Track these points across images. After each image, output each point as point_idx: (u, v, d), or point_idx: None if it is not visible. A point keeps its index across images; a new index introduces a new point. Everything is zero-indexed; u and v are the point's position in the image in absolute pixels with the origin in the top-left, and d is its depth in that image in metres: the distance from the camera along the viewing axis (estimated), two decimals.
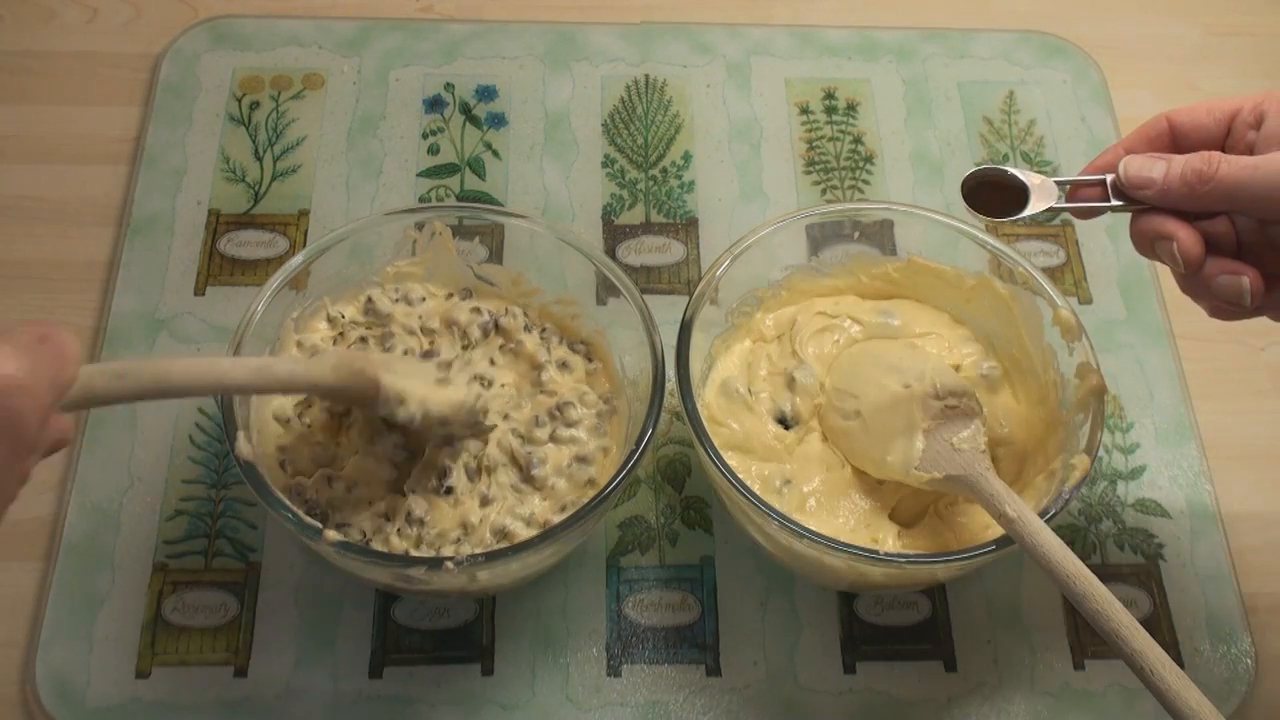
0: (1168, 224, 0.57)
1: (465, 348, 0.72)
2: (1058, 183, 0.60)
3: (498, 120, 0.90)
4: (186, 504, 0.73)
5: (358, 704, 0.67)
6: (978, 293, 0.74)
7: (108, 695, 0.67)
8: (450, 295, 0.74)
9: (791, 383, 0.72)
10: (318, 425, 0.68)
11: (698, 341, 0.68)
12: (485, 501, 0.66)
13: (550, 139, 0.89)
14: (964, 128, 0.92)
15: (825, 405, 0.71)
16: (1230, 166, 0.55)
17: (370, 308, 0.72)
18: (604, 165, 0.88)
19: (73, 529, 0.71)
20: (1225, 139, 0.60)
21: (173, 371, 0.54)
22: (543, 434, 0.68)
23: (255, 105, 0.89)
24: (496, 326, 0.72)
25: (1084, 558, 0.60)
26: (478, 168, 0.87)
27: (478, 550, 0.64)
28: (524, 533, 0.65)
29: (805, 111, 0.92)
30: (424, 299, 0.74)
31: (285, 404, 0.69)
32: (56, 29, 0.93)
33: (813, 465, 0.69)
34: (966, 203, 0.60)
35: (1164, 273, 0.83)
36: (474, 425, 0.66)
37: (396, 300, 0.73)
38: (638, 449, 0.63)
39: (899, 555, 0.63)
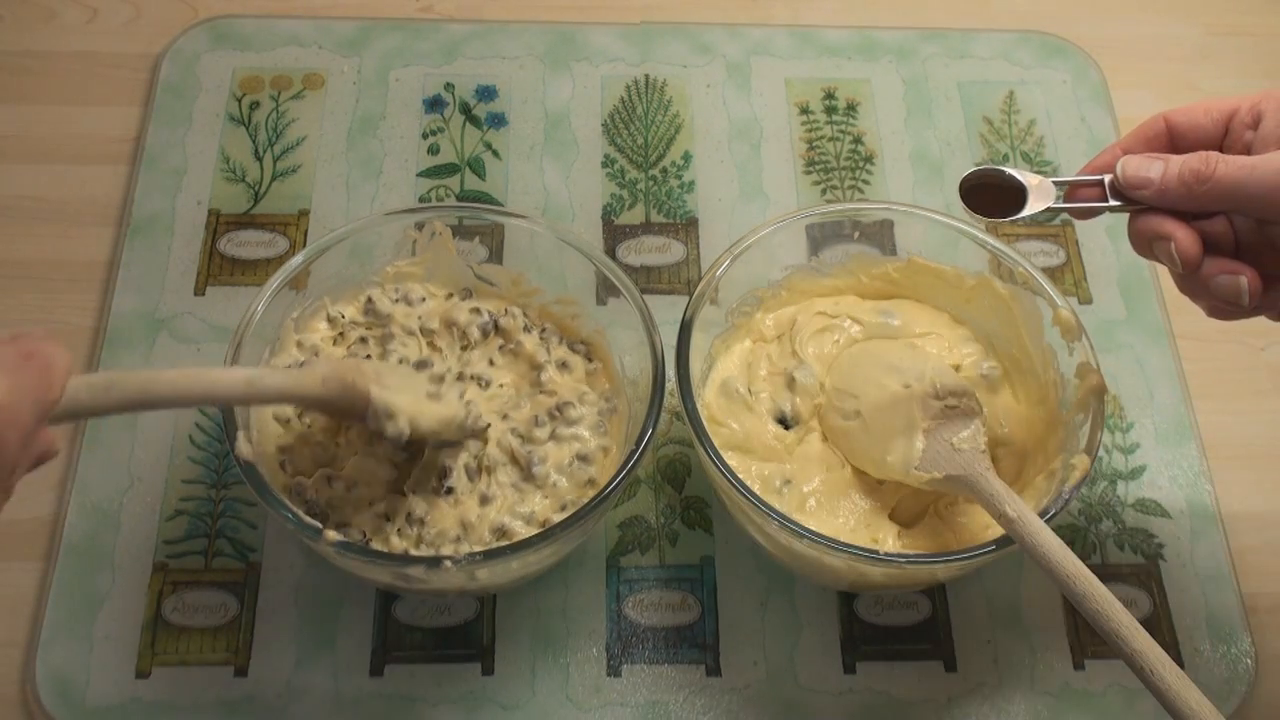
0: (1166, 224, 0.57)
1: (465, 348, 0.72)
2: (1055, 183, 0.60)
3: (498, 120, 0.90)
4: (187, 504, 0.73)
5: (358, 703, 0.67)
6: (978, 293, 0.74)
7: (108, 695, 0.67)
8: (450, 295, 0.74)
9: (791, 383, 0.72)
10: (318, 425, 0.68)
11: (698, 341, 0.68)
12: (485, 500, 0.66)
13: (550, 139, 0.89)
14: (964, 128, 0.92)
15: (825, 405, 0.71)
16: (1228, 166, 0.55)
17: (370, 308, 0.72)
18: (604, 165, 0.88)
19: (73, 529, 0.71)
20: (1223, 139, 0.60)
21: (160, 382, 0.53)
22: (543, 433, 0.68)
23: (255, 105, 0.89)
24: (496, 327, 0.72)
25: (1084, 558, 0.60)
26: (478, 168, 0.87)
27: (477, 549, 0.64)
28: (524, 531, 0.65)
29: (805, 111, 0.92)
30: (424, 299, 0.74)
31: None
32: (56, 29, 0.93)
33: (813, 465, 0.69)
34: (964, 203, 0.60)
35: (1164, 273, 0.83)
36: (465, 436, 0.67)
37: (396, 300, 0.73)
38: (638, 449, 0.63)
39: (899, 555, 0.63)
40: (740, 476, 0.64)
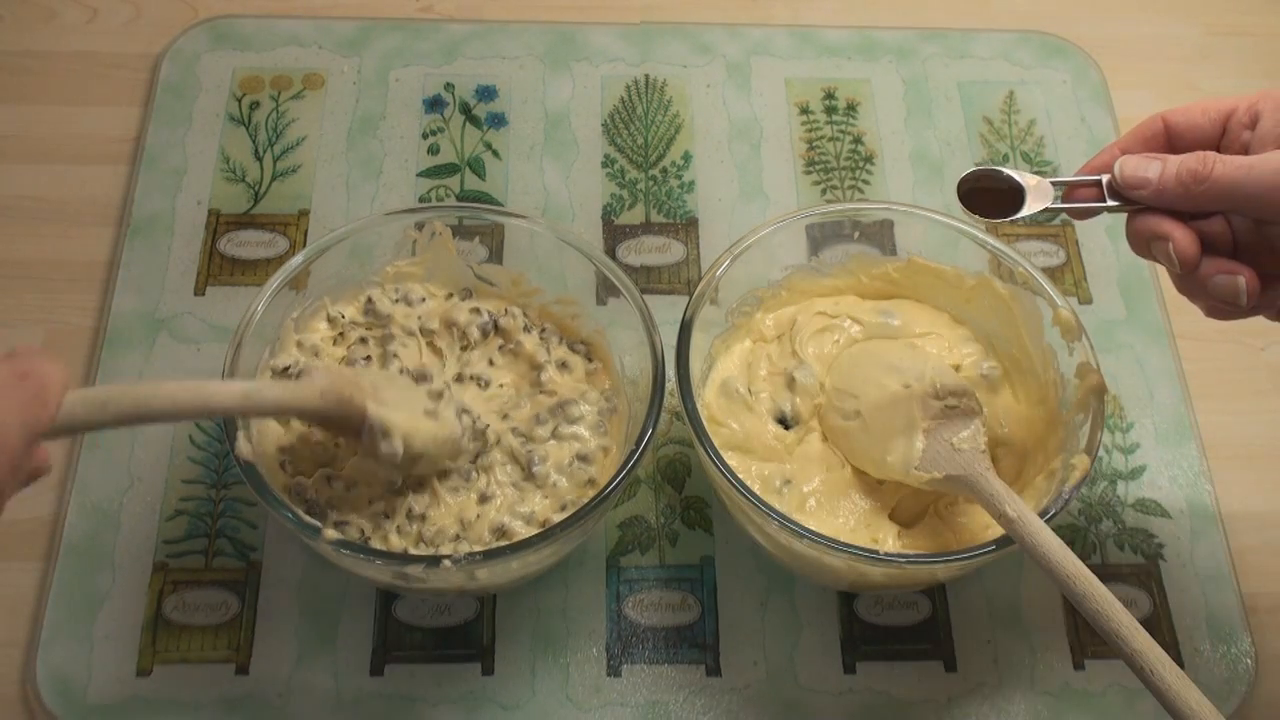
0: (1163, 224, 0.57)
1: (464, 349, 0.72)
2: (1053, 183, 0.60)
3: (498, 120, 0.90)
4: (187, 503, 0.73)
5: (359, 702, 0.67)
6: (978, 293, 0.74)
7: (109, 693, 0.67)
8: (450, 295, 0.74)
9: (791, 383, 0.72)
10: None
11: (698, 341, 0.68)
12: (484, 499, 0.66)
13: (550, 139, 0.89)
14: (964, 128, 0.92)
15: (825, 405, 0.71)
16: (1225, 166, 0.55)
17: (370, 308, 0.72)
18: (604, 165, 0.88)
19: (73, 529, 0.71)
20: (1220, 139, 0.60)
21: (157, 397, 0.54)
22: (544, 431, 0.68)
23: (255, 105, 0.89)
24: (496, 327, 0.72)
25: (1084, 558, 0.60)
26: (478, 168, 0.87)
27: (476, 548, 0.64)
28: (523, 531, 0.65)
29: (805, 111, 0.92)
30: (424, 299, 0.74)
31: None
32: (56, 29, 0.93)
33: (813, 465, 0.69)
34: (962, 204, 0.60)
35: (1164, 273, 0.83)
36: (460, 454, 0.67)
37: (396, 301, 0.73)
38: (638, 449, 0.63)
39: (899, 555, 0.63)
40: (740, 476, 0.64)
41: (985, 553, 0.61)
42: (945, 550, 0.66)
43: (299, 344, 0.71)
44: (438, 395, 0.66)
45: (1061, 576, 0.57)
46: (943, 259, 0.74)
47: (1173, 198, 0.57)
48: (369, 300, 0.72)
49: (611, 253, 0.84)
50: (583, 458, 0.68)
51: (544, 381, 0.70)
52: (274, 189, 0.85)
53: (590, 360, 0.73)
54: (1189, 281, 0.59)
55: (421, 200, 0.85)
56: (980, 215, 0.60)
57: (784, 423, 0.72)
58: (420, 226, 0.73)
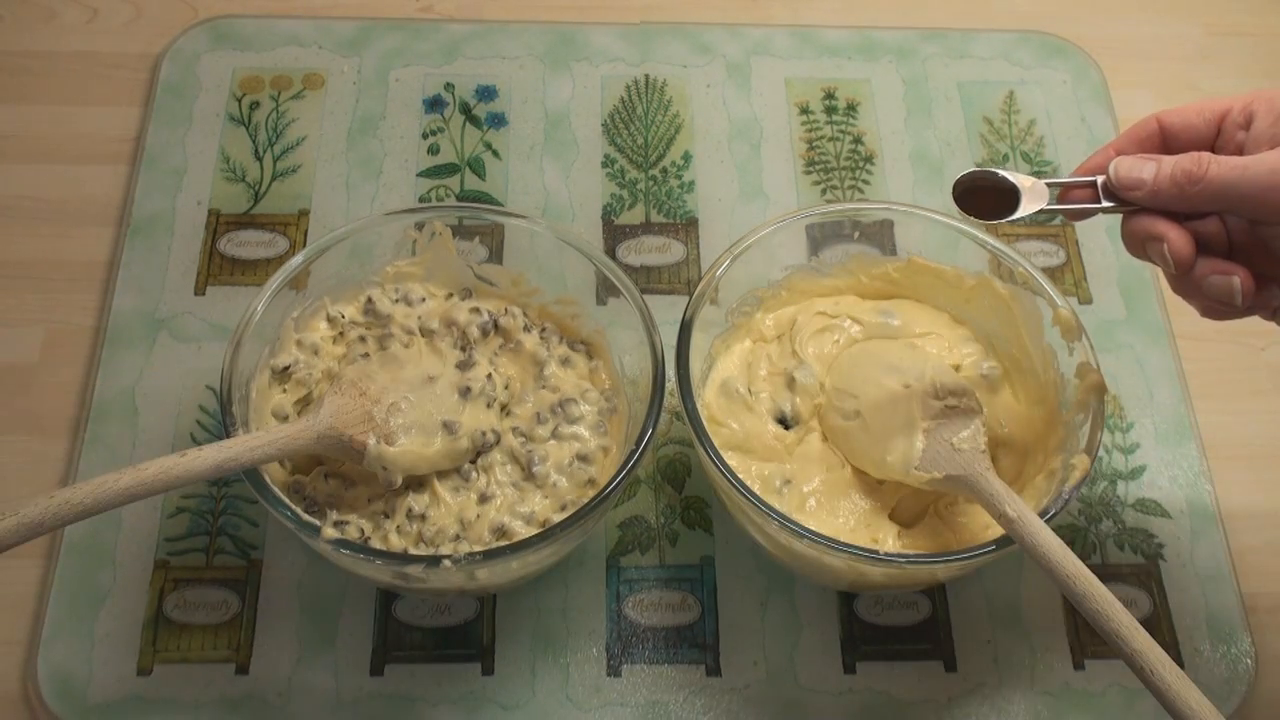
0: (1158, 225, 0.57)
1: (464, 348, 0.72)
2: (1049, 184, 0.60)
3: (498, 120, 0.90)
4: (188, 501, 0.73)
5: (359, 701, 0.67)
6: (978, 293, 0.74)
7: (109, 692, 0.67)
8: (450, 295, 0.74)
9: (791, 383, 0.72)
10: None
11: (698, 341, 0.68)
12: (484, 499, 0.66)
13: (550, 139, 0.89)
14: (964, 128, 0.92)
15: (825, 405, 0.71)
16: (1220, 167, 0.55)
17: (370, 308, 0.72)
18: (604, 165, 0.88)
19: (74, 527, 0.71)
20: (1215, 139, 0.60)
21: (142, 484, 0.55)
22: (544, 431, 0.68)
23: (255, 105, 0.89)
24: (496, 326, 0.72)
25: (1084, 558, 0.60)
26: (478, 168, 0.87)
27: (476, 548, 0.64)
28: (523, 531, 0.65)
29: (805, 111, 0.92)
30: (424, 299, 0.74)
31: (285, 402, 0.69)
32: (57, 29, 0.93)
33: (813, 465, 0.69)
34: (958, 205, 0.60)
35: (1164, 273, 0.83)
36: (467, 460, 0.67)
37: (396, 300, 0.73)
38: (638, 449, 0.63)
39: (899, 555, 0.63)
40: (740, 476, 0.64)
41: (985, 553, 0.61)
42: (945, 550, 0.66)
43: (299, 343, 0.71)
44: (465, 390, 0.67)
45: (1061, 576, 0.57)
46: (943, 259, 0.74)
47: (1168, 198, 0.57)
48: (369, 300, 0.73)
49: (611, 253, 0.84)
50: (583, 458, 0.68)
51: (546, 377, 0.70)
52: (274, 189, 0.85)
53: (590, 359, 0.73)
54: (1184, 282, 0.59)
55: (421, 200, 0.85)
56: (976, 216, 0.60)
57: (784, 423, 0.72)
58: (420, 226, 0.73)
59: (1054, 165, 0.90)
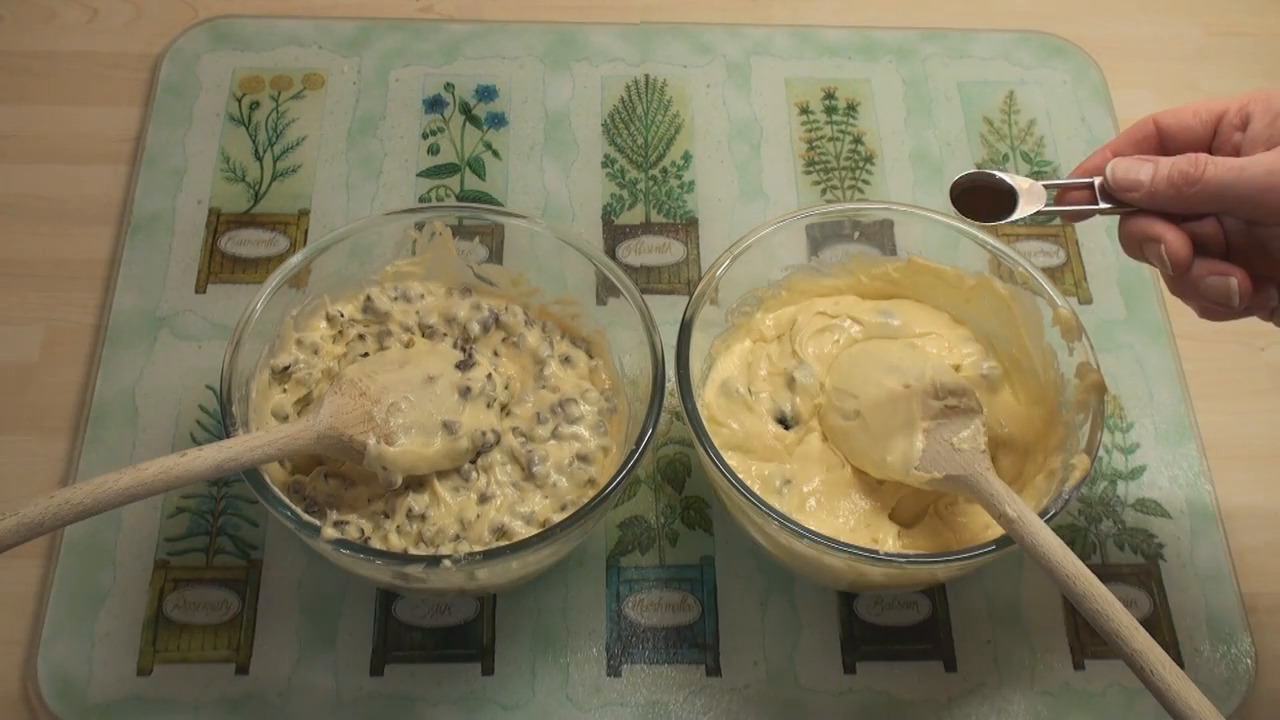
0: (1155, 226, 0.57)
1: (464, 347, 0.72)
2: (1046, 186, 0.60)
3: (498, 120, 0.90)
4: (188, 501, 0.73)
5: (359, 701, 0.67)
6: (978, 293, 0.74)
7: (109, 692, 0.67)
8: (450, 292, 0.74)
9: (791, 383, 0.72)
10: None
11: (698, 341, 0.68)
12: (484, 499, 0.66)
13: (550, 139, 0.89)
14: (964, 128, 0.92)
15: (825, 405, 0.71)
16: (1216, 168, 0.55)
17: (369, 306, 0.72)
18: (604, 165, 0.88)
19: (74, 527, 0.71)
20: (1212, 141, 0.60)
21: (142, 484, 0.55)
22: (544, 431, 0.68)
23: (255, 105, 0.89)
24: (497, 321, 0.72)
25: (1084, 558, 0.60)
26: (478, 168, 0.87)
27: (476, 548, 0.64)
28: (523, 531, 0.65)
29: (805, 111, 0.92)
30: (423, 296, 0.74)
31: (285, 401, 0.69)
32: (57, 29, 0.93)
33: (813, 465, 0.69)
34: (955, 207, 0.60)
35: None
36: (463, 459, 0.67)
37: (395, 298, 0.73)
38: (638, 449, 0.63)
39: (899, 555, 0.63)
40: (740, 476, 0.64)
41: (985, 553, 0.61)
42: (945, 550, 0.66)
43: (298, 342, 0.71)
44: (465, 390, 0.67)
45: (1061, 576, 0.57)
46: (943, 259, 0.74)
47: (1164, 200, 0.57)
48: (368, 298, 0.73)
49: (611, 253, 0.84)
50: (583, 458, 0.68)
51: (546, 376, 0.70)
52: (274, 188, 0.85)
53: (591, 358, 0.73)
54: (1181, 283, 0.59)
55: (421, 200, 0.85)
56: (973, 218, 0.60)
57: (784, 423, 0.72)
58: (420, 226, 0.73)
59: (1054, 165, 0.90)
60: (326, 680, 0.68)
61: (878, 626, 0.71)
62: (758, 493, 0.64)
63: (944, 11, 0.98)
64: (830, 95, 0.93)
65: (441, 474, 0.66)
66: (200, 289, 0.80)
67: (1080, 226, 0.87)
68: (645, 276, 0.83)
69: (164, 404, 0.76)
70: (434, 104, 0.90)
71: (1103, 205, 0.59)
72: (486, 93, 0.91)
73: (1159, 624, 0.72)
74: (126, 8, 0.94)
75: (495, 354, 0.72)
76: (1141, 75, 0.96)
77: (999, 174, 0.60)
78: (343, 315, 0.72)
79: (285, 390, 0.69)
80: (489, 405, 0.68)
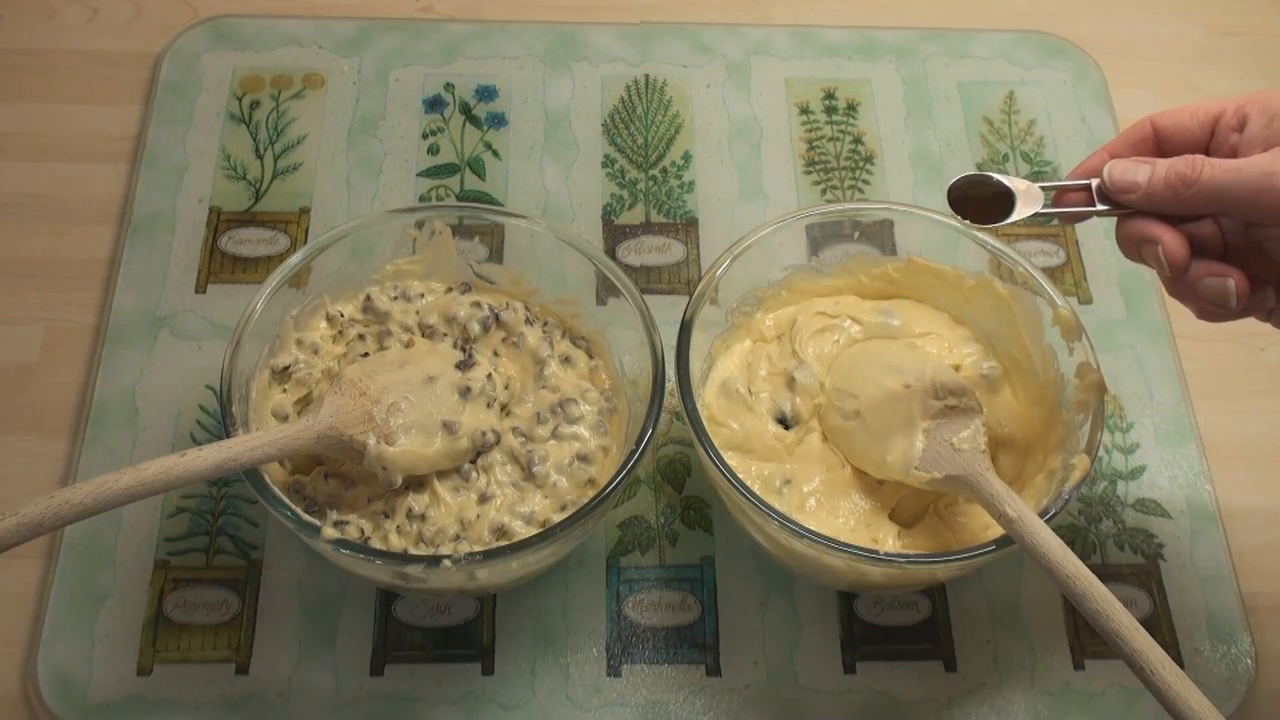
0: (1153, 228, 0.57)
1: (464, 347, 0.72)
2: (1044, 188, 0.60)
3: (498, 120, 0.90)
4: (188, 501, 0.73)
5: (358, 702, 0.67)
6: (978, 293, 0.74)
7: (109, 692, 0.67)
8: (449, 290, 0.74)
9: (791, 383, 0.72)
10: None
11: (698, 341, 0.68)
12: (484, 499, 0.66)
13: (550, 139, 0.89)
14: (964, 128, 0.92)
15: (825, 405, 0.71)
16: (1213, 169, 0.55)
17: (369, 305, 0.72)
18: (604, 165, 0.88)
19: (74, 527, 0.71)
20: (1209, 142, 0.60)
21: (142, 484, 0.55)
22: (544, 431, 0.68)
23: (256, 104, 0.89)
24: (497, 320, 0.72)
25: (1084, 558, 0.60)
26: (478, 168, 0.87)
27: (476, 548, 0.64)
28: (523, 531, 0.65)
29: (805, 111, 0.92)
30: (422, 295, 0.74)
31: (285, 401, 0.69)
32: (57, 28, 0.93)
33: (813, 465, 0.69)
34: (953, 209, 0.60)
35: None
36: (463, 458, 0.67)
37: (395, 297, 0.73)
38: (638, 449, 0.63)
39: (899, 555, 0.63)
40: (740, 476, 0.64)
41: (985, 553, 0.61)
42: (945, 550, 0.66)
43: (298, 342, 0.71)
44: (465, 390, 0.67)
45: (1061, 576, 0.57)
46: (943, 259, 0.74)
47: (1161, 201, 0.57)
48: (368, 298, 0.73)
49: (611, 253, 0.84)
50: (583, 458, 0.68)
51: (546, 376, 0.70)
52: (275, 187, 0.85)
53: (591, 358, 0.73)
54: (1179, 284, 0.59)
55: (422, 200, 0.85)
56: (971, 220, 0.60)
57: (784, 423, 0.72)
58: (420, 225, 0.73)
59: (1054, 165, 0.90)
60: (326, 680, 0.68)
61: (878, 626, 0.71)
62: (758, 493, 0.64)
63: (944, 11, 0.98)
64: (830, 95, 0.93)
65: (441, 474, 0.66)
66: (200, 289, 0.80)
67: (1080, 227, 0.87)
68: (645, 276, 0.83)
69: (164, 404, 0.76)
70: (434, 104, 0.90)
71: (1100, 207, 0.59)
72: (486, 93, 0.91)
73: (1159, 624, 0.72)
74: (127, 7, 0.94)
75: (495, 354, 0.72)
76: (1141, 75, 0.96)
77: (996, 176, 0.60)
78: (343, 315, 0.72)
79: (285, 390, 0.69)
80: (489, 405, 0.68)
